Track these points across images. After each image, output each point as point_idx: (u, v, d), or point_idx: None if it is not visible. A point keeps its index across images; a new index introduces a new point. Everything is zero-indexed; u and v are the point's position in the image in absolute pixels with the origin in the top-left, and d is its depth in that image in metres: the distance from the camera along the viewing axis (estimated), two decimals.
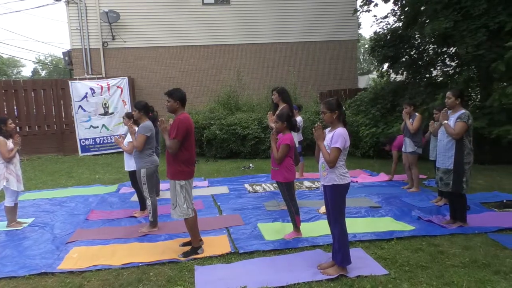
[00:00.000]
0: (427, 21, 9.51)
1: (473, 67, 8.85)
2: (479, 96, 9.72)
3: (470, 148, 4.79)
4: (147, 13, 14.51)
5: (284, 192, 4.73)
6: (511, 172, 7.89)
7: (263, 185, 7.64)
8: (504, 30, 7.92)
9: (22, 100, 12.67)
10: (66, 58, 15.42)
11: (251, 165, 9.87)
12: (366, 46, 36.53)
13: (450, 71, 9.98)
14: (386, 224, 5.12)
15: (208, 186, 7.77)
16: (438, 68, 10.52)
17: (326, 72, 15.80)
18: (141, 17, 14.49)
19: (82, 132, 12.63)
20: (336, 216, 3.70)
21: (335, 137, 3.58)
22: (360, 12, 11.58)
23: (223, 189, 7.42)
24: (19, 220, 5.73)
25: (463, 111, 4.81)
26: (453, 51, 9.68)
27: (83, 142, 12.66)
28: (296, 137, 6.22)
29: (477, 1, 8.18)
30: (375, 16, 11.63)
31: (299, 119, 7.65)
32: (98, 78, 13.29)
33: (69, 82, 12.62)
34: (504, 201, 5.87)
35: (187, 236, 4.55)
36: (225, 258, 4.23)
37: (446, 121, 4.86)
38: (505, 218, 5.17)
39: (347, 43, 16.06)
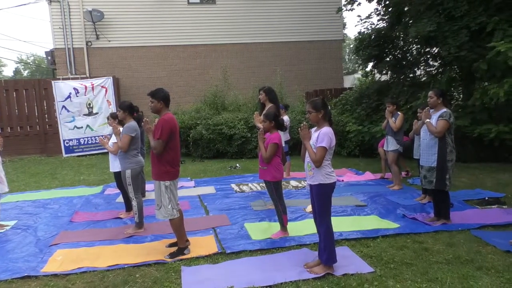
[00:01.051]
0: (411, 21, 9.64)
1: (455, 67, 9.01)
2: (461, 96, 9.89)
3: (452, 146, 4.88)
4: (132, 12, 14.38)
5: (272, 191, 4.74)
6: (493, 170, 8.05)
7: (249, 185, 7.64)
8: (485, 30, 8.08)
9: (3, 100, 12.43)
10: (49, 57, 15.17)
11: (237, 165, 9.86)
12: (351, 46, 36.85)
13: (433, 71, 10.13)
14: (371, 222, 5.17)
15: (194, 187, 7.73)
16: (422, 68, 10.68)
17: (311, 71, 15.89)
18: (126, 16, 14.35)
19: (66, 132, 12.45)
20: (322, 215, 3.72)
21: (321, 136, 3.60)
22: (344, 11, 11.69)
23: (209, 189, 7.39)
24: (1, 222, 5.61)
25: (445, 109, 4.90)
26: (436, 51, 9.83)
27: (67, 143, 12.47)
28: (283, 136, 6.24)
29: (459, 2, 8.33)
30: (359, 16, 11.74)
31: (285, 118, 7.67)
32: (82, 78, 13.13)
33: (52, 82, 12.43)
34: (486, 198, 5.99)
35: (173, 237, 4.52)
36: (212, 258, 4.21)
37: (428, 120, 4.94)
38: (487, 215, 5.27)
39: (333, 43, 16.18)
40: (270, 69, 15.02)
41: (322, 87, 14.71)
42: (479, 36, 8.25)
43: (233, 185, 7.63)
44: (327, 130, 3.63)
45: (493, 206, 5.66)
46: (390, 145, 6.85)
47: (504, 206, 5.62)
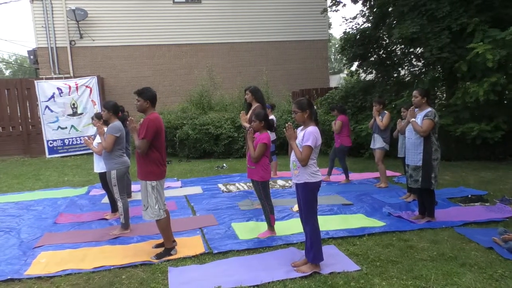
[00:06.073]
0: (394, 22, 9.76)
1: (438, 67, 9.15)
2: (444, 95, 10.05)
3: (437, 145, 4.94)
4: (116, 11, 14.21)
5: (260, 191, 4.74)
6: (475, 168, 8.20)
7: (236, 184, 7.63)
8: (466, 31, 8.22)
9: None
10: (32, 57, 14.89)
11: (224, 164, 9.84)
12: (337, 45, 37.12)
13: (416, 71, 10.27)
14: (357, 220, 5.21)
15: (181, 187, 7.69)
16: (405, 68, 10.81)
17: (297, 71, 15.94)
18: (110, 15, 14.18)
19: (50, 133, 12.25)
20: (308, 214, 3.74)
21: (306, 135, 3.62)
22: (328, 12, 11.79)
23: (196, 189, 7.36)
24: None
25: (429, 109, 4.95)
26: (419, 51, 9.97)
27: (50, 143, 12.27)
28: (270, 136, 6.24)
29: (441, 4, 8.46)
30: (344, 17, 11.87)
31: (272, 118, 7.68)
32: (65, 78, 12.94)
33: (35, 81, 12.22)
34: (469, 196, 6.09)
35: (159, 237, 4.49)
36: (199, 258, 4.20)
37: (413, 119, 4.99)
38: (470, 212, 5.37)
39: (318, 43, 16.25)
40: (256, 69, 15.02)
41: (308, 86, 14.78)
42: (460, 37, 8.40)
43: (220, 185, 7.61)
44: (312, 129, 3.65)
45: (476, 204, 5.76)
46: (376, 143, 6.93)
47: (486, 204, 5.74)
